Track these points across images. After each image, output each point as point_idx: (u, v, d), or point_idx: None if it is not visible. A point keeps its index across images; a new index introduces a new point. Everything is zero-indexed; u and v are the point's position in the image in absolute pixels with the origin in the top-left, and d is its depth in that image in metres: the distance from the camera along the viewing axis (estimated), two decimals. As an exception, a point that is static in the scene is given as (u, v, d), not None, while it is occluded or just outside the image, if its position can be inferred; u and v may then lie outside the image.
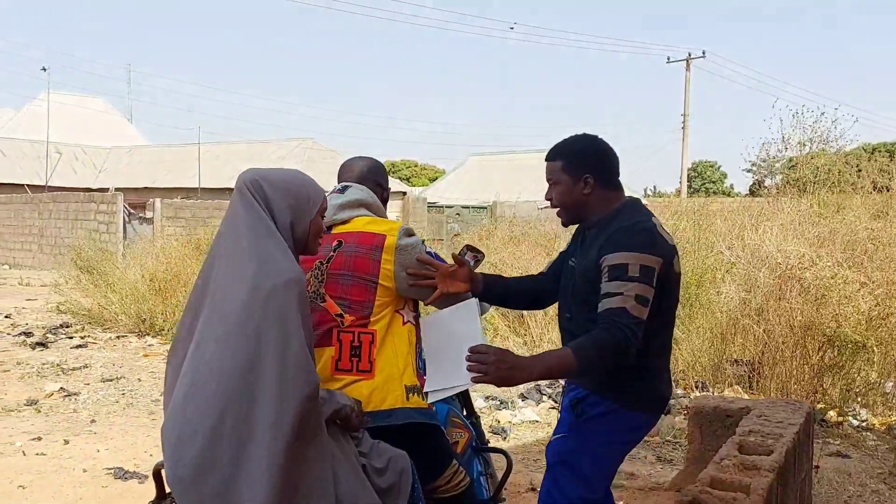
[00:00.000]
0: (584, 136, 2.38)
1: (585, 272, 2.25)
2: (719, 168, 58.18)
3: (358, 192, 2.45)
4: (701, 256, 7.03)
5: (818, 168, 9.51)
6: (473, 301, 2.40)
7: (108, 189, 22.26)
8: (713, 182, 53.98)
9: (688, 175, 60.11)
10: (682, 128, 30.50)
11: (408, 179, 45.22)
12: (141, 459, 4.41)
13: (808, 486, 3.59)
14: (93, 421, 5.27)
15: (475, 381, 1.93)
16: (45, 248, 21.02)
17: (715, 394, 6.35)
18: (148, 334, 8.34)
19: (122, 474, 4.13)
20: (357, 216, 2.38)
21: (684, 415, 6.05)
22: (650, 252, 2.10)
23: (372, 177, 2.56)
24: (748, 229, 7.55)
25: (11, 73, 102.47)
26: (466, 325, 2.28)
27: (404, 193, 26.44)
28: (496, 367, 1.90)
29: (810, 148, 9.88)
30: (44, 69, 26.43)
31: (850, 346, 5.94)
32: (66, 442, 4.74)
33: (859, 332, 6.03)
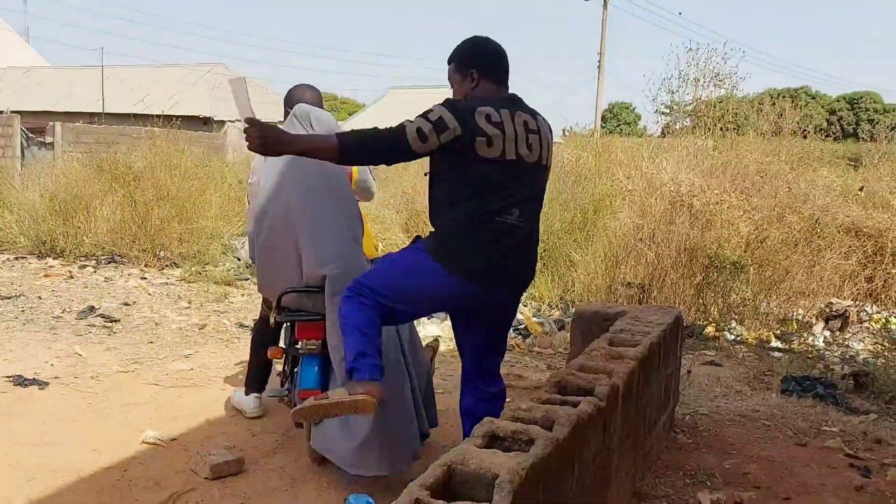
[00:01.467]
0: (472, 37, 2.66)
1: None
2: (634, 109, 59.45)
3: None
4: (599, 184, 7.35)
5: (722, 110, 9.96)
6: (240, 78, 3.06)
7: (3, 111, 20.99)
8: (627, 123, 55.20)
9: (603, 116, 61.29)
10: (598, 67, 30.91)
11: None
12: (41, 369, 4.42)
13: (674, 382, 3.96)
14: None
15: (250, 149, 2.37)
16: (-66, 173, 19.79)
17: None
18: (49, 256, 8.14)
19: (20, 381, 4.15)
20: None
21: (578, 331, 6.46)
22: (452, 115, 2.38)
23: (320, 104, 3.42)
24: (646, 161, 7.93)
25: None
26: (239, 100, 2.82)
27: (321, 125, 26.03)
28: (261, 138, 2.29)
29: (703, 85, 10.28)
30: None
31: (729, 266, 6.41)
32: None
33: (738, 254, 6.52)
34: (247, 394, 3.74)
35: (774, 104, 11.74)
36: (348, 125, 31.20)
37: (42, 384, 4.13)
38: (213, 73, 24.63)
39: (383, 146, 2.38)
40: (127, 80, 25.08)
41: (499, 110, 2.49)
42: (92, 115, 22.81)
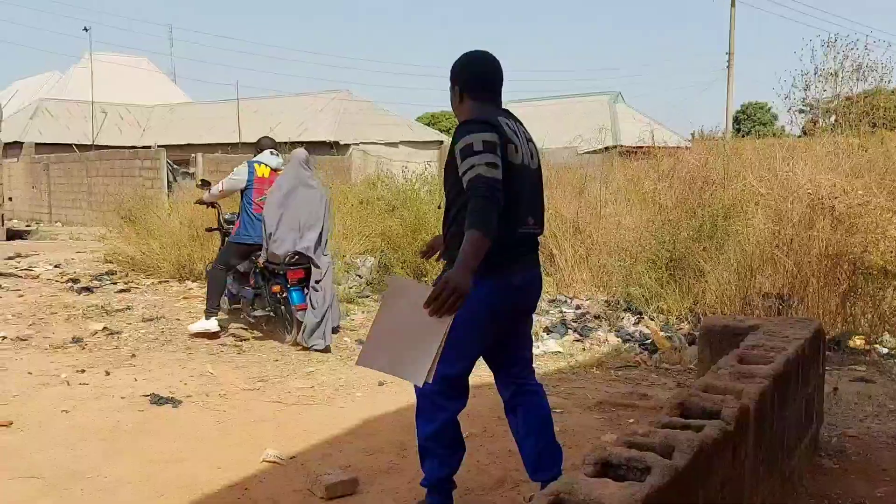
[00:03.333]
0: (467, 52, 2.75)
1: (447, 166, 2.61)
2: (769, 109, 56.36)
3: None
4: (729, 188, 6.95)
5: (868, 105, 9.22)
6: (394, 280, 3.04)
7: (151, 146, 22.70)
8: (763, 124, 52.44)
9: (737, 117, 58.43)
10: (728, 67, 29.58)
11: (447, 131, 44.79)
12: (176, 387, 4.64)
13: (817, 402, 3.62)
14: (133, 355, 5.54)
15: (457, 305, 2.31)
16: (94, 205, 21.63)
17: None
18: (188, 279, 8.63)
19: (157, 400, 4.37)
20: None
21: (709, 345, 6.09)
22: (489, 131, 2.45)
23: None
24: (779, 161, 7.41)
25: (57, 35, 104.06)
26: (421, 315, 2.33)
27: (441, 143, 26.36)
28: (456, 289, 2.27)
29: (842, 79, 9.53)
30: (85, 29, 26.86)
31: (879, 272, 5.85)
32: (108, 373, 5.01)
33: (888, 260, 5.94)
34: (207, 318, 6.02)
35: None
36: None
37: (176, 402, 4.33)
38: (337, 99, 25.53)
39: (493, 205, 2.38)
40: (260, 111, 26.45)
41: (505, 119, 2.62)
42: (229, 145, 24.23)
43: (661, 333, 6.16)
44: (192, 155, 20.20)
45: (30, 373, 5.03)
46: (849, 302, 5.94)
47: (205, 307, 6.15)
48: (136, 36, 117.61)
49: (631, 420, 3.85)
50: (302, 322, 5.63)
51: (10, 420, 3.97)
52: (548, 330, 6.32)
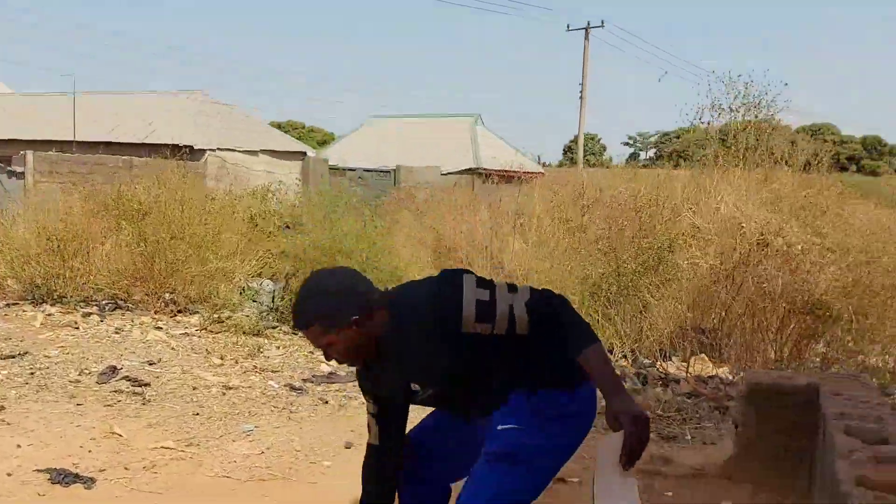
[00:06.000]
0: (311, 290, 1.98)
1: (446, 373, 1.98)
2: (599, 140, 59.88)
3: None
4: (667, 220, 6.76)
5: (753, 141, 9.51)
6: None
7: (-29, 139, 19.87)
8: (593, 154, 55.51)
9: (570, 146, 61.47)
10: (580, 97, 30.74)
11: (322, 144, 43.36)
12: (80, 457, 3.58)
13: None
14: (1, 408, 4.32)
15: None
16: None
17: (704, 368, 6.14)
18: (45, 301, 7.21)
19: (60, 477, 3.31)
20: None
21: (661, 386, 5.79)
22: (464, 281, 1.93)
23: None
24: (707, 195, 7.37)
25: None
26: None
27: (304, 154, 25.23)
28: (644, 433, 1.79)
29: (744, 114, 9.84)
30: None
31: (827, 313, 5.83)
32: (-27, 437, 3.82)
33: (834, 299, 5.94)
34: None
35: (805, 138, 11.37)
36: (328, 153, 30.43)
37: (87, 481, 3.30)
38: (192, 99, 23.70)
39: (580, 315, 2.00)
40: (98, 107, 24.00)
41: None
42: (62, 143, 21.75)
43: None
44: (22, 152, 17.78)
45: None
46: (802, 342, 5.86)
47: None
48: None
49: (670, 493, 3.34)
50: None
51: None
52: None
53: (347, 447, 3.89)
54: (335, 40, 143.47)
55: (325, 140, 45.48)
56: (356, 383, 5.34)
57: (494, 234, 8.62)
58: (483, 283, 1.93)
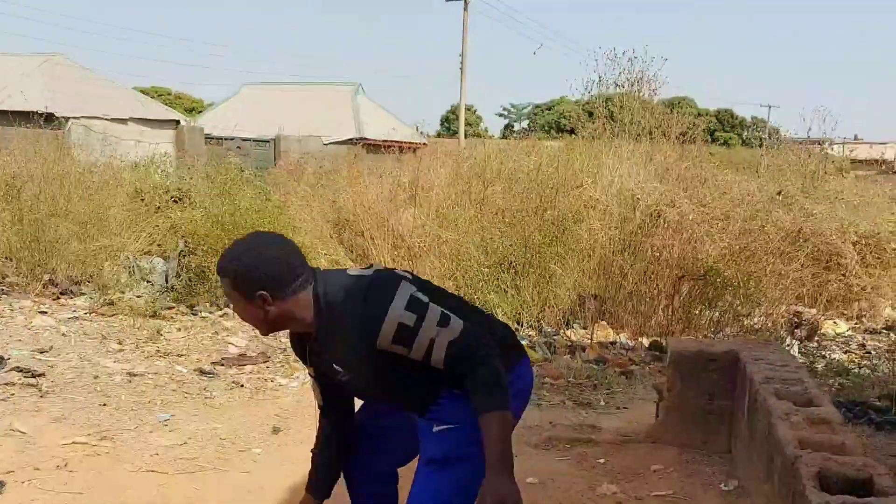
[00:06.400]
0: (247, 246, 1.89)
1: (365, 369, 1.92)
2: (475, 111, 60.64)
3: None
4: (570, 193, 6.94)
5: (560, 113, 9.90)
6: None
7: None
8: (469, 125, 56.25)
9: (447, 117, 61.87)
10: (461, 68, 30.87)
11: (190, 111, 41.11)
12: None
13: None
14: None
15: None
16: None
17: (615, 334, 6.39)
18: None
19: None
20: None
21: (569, 354, 5.98)
22: (396, 294, 1.84)
23: None
24: (602, 168, 7.61)
25: None
26: None
27: (178, 122, 23.99)
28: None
29: (628, 89, 10.19)
30: None
31: (718, 279, 6.20)
32: None
33: (725, 266, 6.33)
34: None
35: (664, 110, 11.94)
36: (203, 121, 29.04)
37: (-4, 485, 3.02)
38: (50, 63, 21.92)
39: (502, 376, 1.84)
40: (-58, 69, 21.79)
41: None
42: None
43: (524, 342, 5.90)
44: None
45: None
46: (691, 307, 6.21)
47: None
48: None
49: (602, 460, 3.47)
50: None
51: None
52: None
53: (275, 432, 3.77)
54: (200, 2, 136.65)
55: (192, 107, 43.48)
56: (269, 364, 5.17)
57: (395, 206, 8.57)
58: (414, 304, 1.83)
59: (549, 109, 60.22)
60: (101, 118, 20.93)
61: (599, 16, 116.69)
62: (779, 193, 9.26)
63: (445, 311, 1.86)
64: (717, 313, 6.34)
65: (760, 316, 6.48)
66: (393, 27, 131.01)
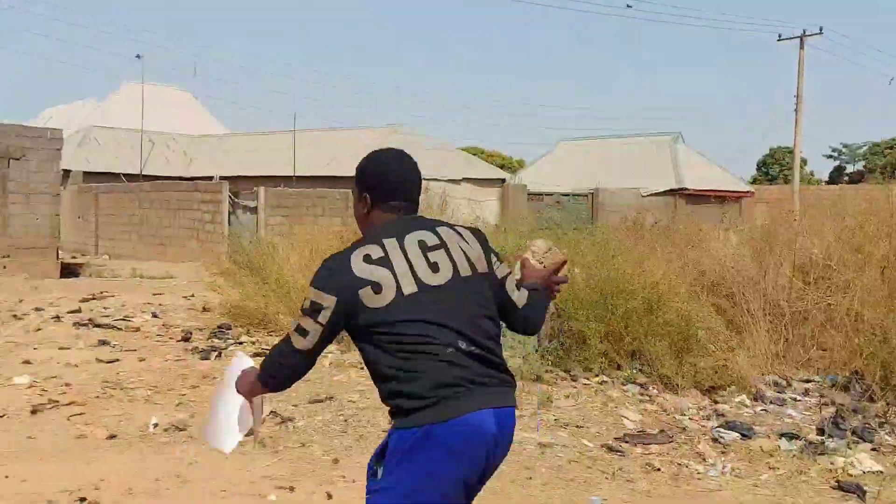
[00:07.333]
0: (371, 154, 2.28)
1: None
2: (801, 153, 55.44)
3: None
4: None
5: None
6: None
7: (213, 178, 21.78)
8: (790, 169, 51.63)
9: (764, 161, 57.26)
10: (795, 111, 28.48)
11: (503, 168, 43.84)
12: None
13: None
14: (335, 461, 4.30)
15: None
16: (145, 238, 20.63)
17: None
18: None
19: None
20: None
21: None
22: (321, 289, 2.05)
23: None
24: None
25: (92, 64, 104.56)
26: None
27: (503, 181, 25.31)
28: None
29: None
30: (138, 56, 26.17)
31: None
32: (329, 496, 3.77)
33: None
34: None
35: None
36: (522, 178, 30.34)
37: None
38: (386, 132, 24.54)
39: (282, 365, 2.15)
40: (314, 144, 25.55)
41: (382, 242, 2.10)
42: (283, 178, 23.27)
43: None
44: (255, 188, 19.18)
45: (223, 490, 3.81)
46: None
47: None
48: (167, 68, 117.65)
49: None
50: None
51: None
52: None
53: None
54: (513, 68, 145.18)
55: (503, 164, 45.69)
56: (674, 445, 4.81)
57: (759, 265, 7.88)
58: (313, 307, 2.04)
59: (891, 149, 53.23)
60: (440, 179, 22.80)
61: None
62: None
63: (305, 329, 2.06)
64: None
65: None
66: (717, 72, 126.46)
